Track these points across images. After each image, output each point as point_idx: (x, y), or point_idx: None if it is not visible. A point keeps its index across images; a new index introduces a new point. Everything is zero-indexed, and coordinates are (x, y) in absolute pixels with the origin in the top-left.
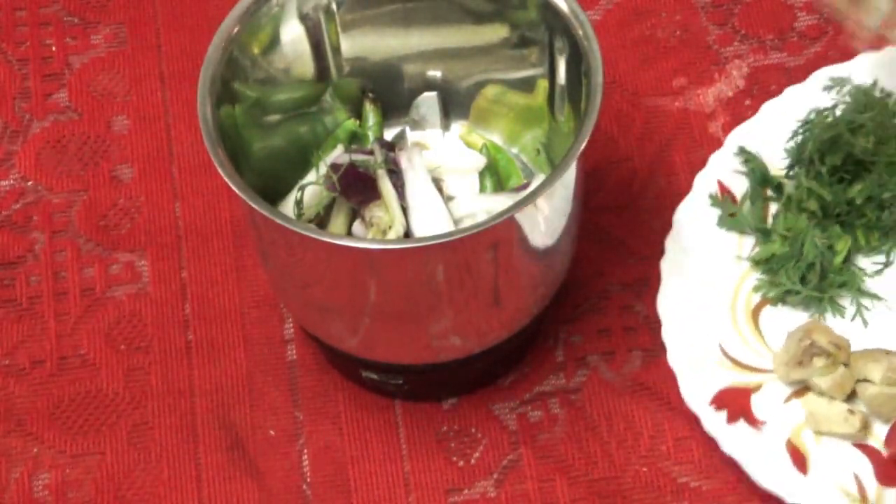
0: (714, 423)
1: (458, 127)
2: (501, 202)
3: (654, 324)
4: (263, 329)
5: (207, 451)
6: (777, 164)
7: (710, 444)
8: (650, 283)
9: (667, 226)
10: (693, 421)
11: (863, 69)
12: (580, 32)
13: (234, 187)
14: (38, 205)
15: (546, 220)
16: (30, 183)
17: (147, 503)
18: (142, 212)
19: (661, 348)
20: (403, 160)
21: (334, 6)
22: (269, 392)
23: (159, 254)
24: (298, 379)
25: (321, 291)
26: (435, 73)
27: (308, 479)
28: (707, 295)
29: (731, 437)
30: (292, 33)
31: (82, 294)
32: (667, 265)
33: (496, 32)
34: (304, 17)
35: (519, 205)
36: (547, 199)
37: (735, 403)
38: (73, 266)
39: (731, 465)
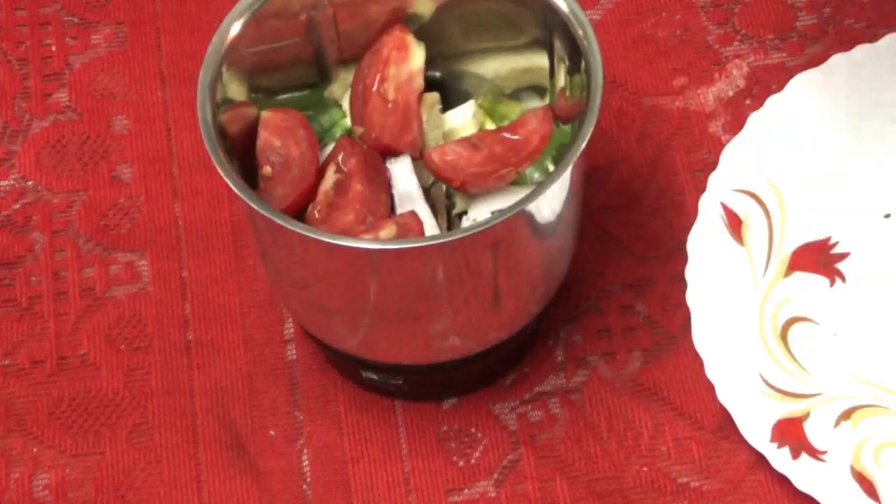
0: (781, 461)
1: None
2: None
3: (654, 324)
4: (263, 329)
5: (207, 451)
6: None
7: (710, 444)
8: (650, 283)
9: (667, 225)
10: (693, 423)
11: (836, 71)
12: (580, 32)
13: (234, 187)
14: (38, 205)
15: (546, 219)
16: (30, 183)
17: (147, 503)
18: (142, 212)
19: (662, 348)
20: (390, 165)
21: (334, 5)
22: (269, 392)
23: (159, 254)
24: (298, 379)
25: (321, 291)
26: (434, 74)
27: (308, 479)
28: (735, 323)
29: (800, 474)
30: (292, 33)
31: (82, 294)
32: (692, 298)
33: (495, 33)
34: (303, 17)
35: (519, 204)
36: (546, 199)
37: (792, 436)
38: (73, 266)
39: (730, 466)
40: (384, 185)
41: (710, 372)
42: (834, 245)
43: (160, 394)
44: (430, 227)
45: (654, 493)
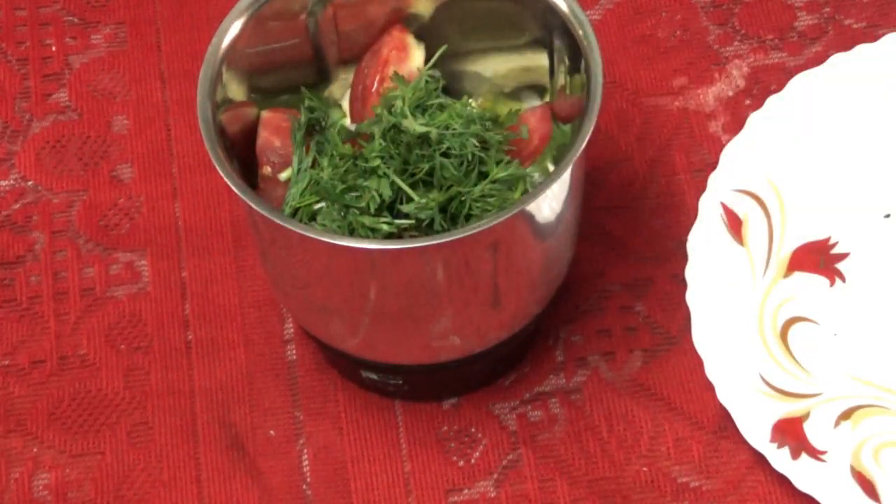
0: (781, 461)
1: None
2: None
3: (654, 324)
4: (263, 329)
5: (207, 451)
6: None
7: (710, 444)
8: (650, 283)
9: (667, 225)
10: (693, 423)
11: (836, 71)
12: (580, 32)
13: (233, 187)
14: (38, 205)
15: (546, 219)
16: (30, 183)
17: (147, 503)
18: (142, 212)
19: (662, 348)
20: None
21: (334, 6)
22: (269, 392)
23: (159, 254)
24: (298, 379)
25: (321, 291)
26: (434, 74)
27: (308, 479)
28: (735, 323)
29: (800, 474)
30: (292, 33)
31: (82, 294)
32: (692, 298)
33: (495, 33)
34: (303, 18)
35: (519, 204)
36: (546, 199)
37: (792, 436)
38: (73, 266)
39: (730, 466)
40: None
41: (710, 372)
42: (834, 245)
43: (160, 394)
44: None
45: (654, 493)
